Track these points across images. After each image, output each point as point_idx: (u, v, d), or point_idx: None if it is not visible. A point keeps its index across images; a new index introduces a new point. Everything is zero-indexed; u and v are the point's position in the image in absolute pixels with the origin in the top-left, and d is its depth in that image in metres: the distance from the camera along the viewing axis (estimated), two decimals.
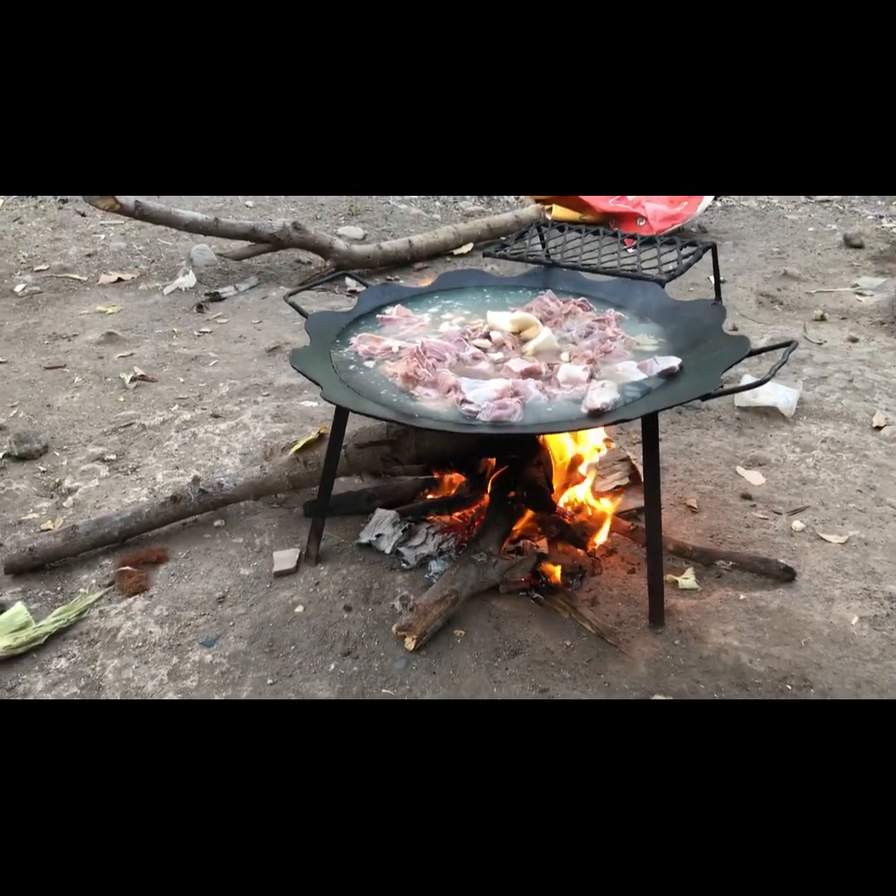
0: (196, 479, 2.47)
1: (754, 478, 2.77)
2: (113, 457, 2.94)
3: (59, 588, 2.28)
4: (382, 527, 2.38)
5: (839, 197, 6.57)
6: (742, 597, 2.19)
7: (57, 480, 2.81)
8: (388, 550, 2.33)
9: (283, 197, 6.46)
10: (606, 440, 2.60)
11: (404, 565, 2.29)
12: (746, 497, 2.67)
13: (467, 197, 6.77)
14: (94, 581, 2.29)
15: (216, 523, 2.52)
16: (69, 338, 4.04)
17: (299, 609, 2.14)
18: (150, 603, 2.20)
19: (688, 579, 2.26)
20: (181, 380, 3.60)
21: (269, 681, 1.94)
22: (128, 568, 2.29)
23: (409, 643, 1.99)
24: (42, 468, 2.89)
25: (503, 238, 4.38)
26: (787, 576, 2.24)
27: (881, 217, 6.05)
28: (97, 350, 3.89)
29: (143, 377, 3.59)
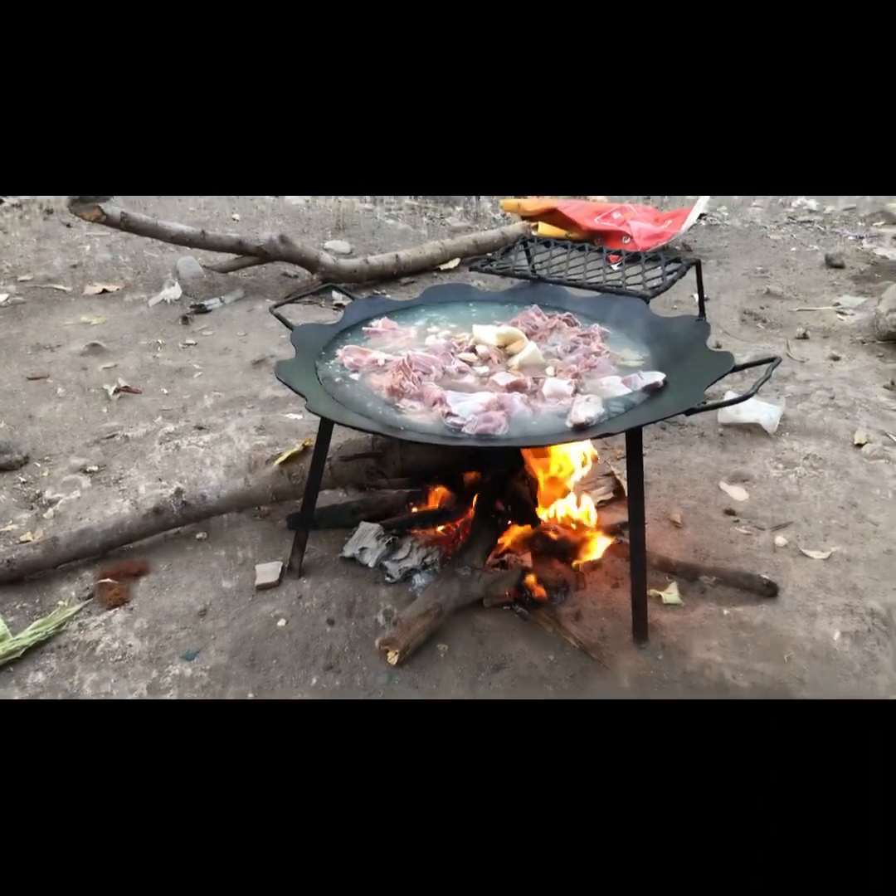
0: (179, 491, 2.45)
1: (737, 493, 2.79)
2: (95, 468, 2.92)
3: (37, 600, 2.24)
4: (366, 540, 2.37)
5: (820, 218, 6.66)
6: (725, 612, 2.19)
7: (37, 492, 2.78)
8: (371, 564, 2.32)
9: (269, 211, 6.46)
10: (591, 455, 2.61)
11: (388, 579, 2.28)
12: (730, 512, 2.68)
13: (454, 213, 6.81)
14: (73, 593, 2.26)
15: (199, 536, 2.49)
16: (53, 348, 4.01)
17: (281, 623, 2.13)
18: (131, 616, 2.17)
19: (671, 594, 2.26)
20: (165, 391, 3.58)
21: (250, 695, 1.92)
22: (108, 580, 2.27)
23: (392, 657, 1.98)
24: (22, 479, 2.86)
25: (490, 254, 4.40)
26: (770, 591, 2.25)
27: (861, 238, 6.13)
28: (81, 361, 3.86)
29: (126, 388, 3.57)
